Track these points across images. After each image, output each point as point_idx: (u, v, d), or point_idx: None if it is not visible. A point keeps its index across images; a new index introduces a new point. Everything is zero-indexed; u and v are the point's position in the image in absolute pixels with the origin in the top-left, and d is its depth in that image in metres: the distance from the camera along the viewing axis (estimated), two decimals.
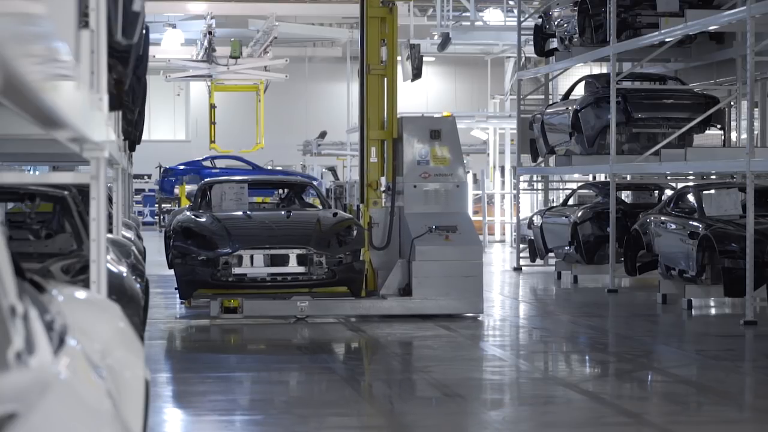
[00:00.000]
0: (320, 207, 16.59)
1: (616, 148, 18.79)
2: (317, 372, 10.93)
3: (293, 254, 14.25)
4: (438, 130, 15.44)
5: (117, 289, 7.39)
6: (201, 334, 13.77)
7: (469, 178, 29.75)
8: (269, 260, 14.29)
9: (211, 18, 35.17)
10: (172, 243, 14.60)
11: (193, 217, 14.96)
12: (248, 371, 10.87)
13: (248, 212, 15.34)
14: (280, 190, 19.16)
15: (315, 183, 25.37)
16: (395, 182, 15.44)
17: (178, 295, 15.19)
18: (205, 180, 17.49)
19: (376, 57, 15.55)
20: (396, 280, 14.93)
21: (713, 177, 20.97)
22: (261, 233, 14.45)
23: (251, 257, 14.24)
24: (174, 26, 39.07)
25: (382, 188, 15.58)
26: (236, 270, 14.20)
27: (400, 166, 15.41)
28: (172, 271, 15.11)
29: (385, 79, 15.59)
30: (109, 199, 11.28)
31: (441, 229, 14.86)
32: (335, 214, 15.12)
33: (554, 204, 25.17)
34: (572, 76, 25.39)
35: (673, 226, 16.49)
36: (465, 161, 18.36)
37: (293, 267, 14.26)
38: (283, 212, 15.49)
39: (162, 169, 40.61)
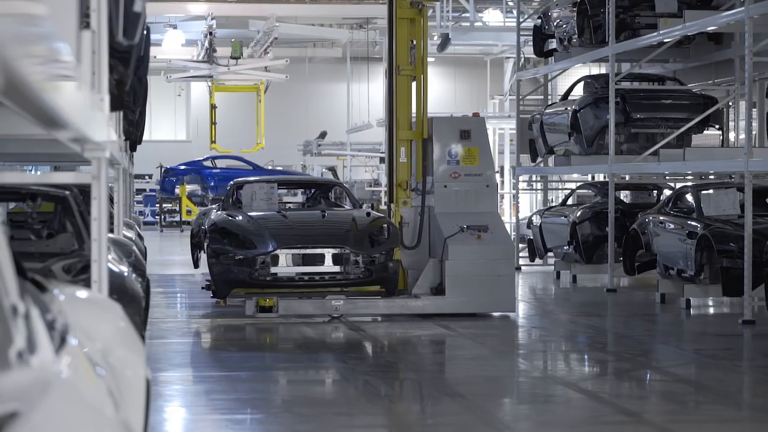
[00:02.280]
0: (343, 207, 16.61)
1: (615, 149, 18.81)
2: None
3: (331, 254, 14.26)
4: (468, 130, 15.55)
5: (118, 289, 7.41)
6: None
7: None
8: (307, 260, 14.30)
9: (212, 19, 35.17)
10: (209, 243, 14.52)
11: (229, 217, 14.89)
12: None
13: (284, 212, 15.34)
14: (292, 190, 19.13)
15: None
16: (425, 182, 15.51)
17: (212, 294, 15.23)
18: (235, 180, 17.41)
19: (406, 58, 15.64)
20: (428, 279, 14.98)
21: (711, 177, 20.99)
22: (299, 233, 14.46)
23: (289, 257, 14.24)
24: (175, 27, 39.06)
25: (411, 188, 15.67)
26: (274, 269, 14.20)
27: (430, 166, 15.49)
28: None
29: (415, 79, 15.64)
30: (110, 199, 11.29)
31: (472, 229, 14.94)
32: (368, 214, 15.18)
33: (553, 204, 25.18)
34: (571, 77, 25.41)
35: (672, 226, 16.51)
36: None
37: (331, 266, 14.28)
38: (318, 212, 15.52)
39: (163, 169, 40.62)
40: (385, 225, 14.69)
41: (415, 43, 15.60)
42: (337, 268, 14.26)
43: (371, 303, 14.65)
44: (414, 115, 15.78)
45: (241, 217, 14.80)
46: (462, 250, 14.82)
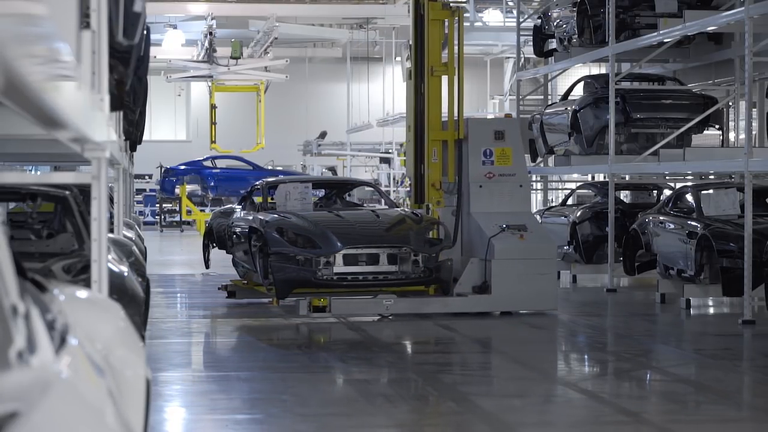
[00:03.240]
0: (368, 207, 16.64)
1: (615, 149, 18.82)
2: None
3: (393, 253, 14.29)
4: (502, 131, 15.75)
5: (118, 289, 7.42)
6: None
7: None
8: (370, 259, 14.30)
9: (212, 19, 35.19)
10: (264, 244, 14.34)
11: (283, 218, 14.73)
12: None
13: (336, 212, 15.28)
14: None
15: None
16: (461, 182, 15.54)
17: (227, 295, 15.14)
18: (266, 180, 17.26)
19: (438, 59, 15.71)
20: (471, 278, 15.06)
21: (711, 177, 21.00)
22: (361, 233, 14.47)
23: (353, 256, 14.25)
24: (175, 27, 39.09)
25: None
26: (337, 269, 14.19)
27: (465, 167, 15.55)
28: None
29: (447, 79, 15.73)
30: (110, 199, 11.31)
31: (512, 228, 15.02)
32: (415, 213, 15.21)
33: (553, 204, 25.19)
34: (571, 77, 25.42)
35: (672, 226, 16.52)
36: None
37: (392, 266, 14.31)
38: (369, 211, 15.55)
39: (163, 169, 40.63)
40: (437, 225, 14.76)
41: (447, 43, 15.72)
42: (398, 268, 14.31)
43: (422, 302, 14.72)
44: (445, 115, 15.86)
45: (293, 218, 14.71)
46: (507, 249, 14.95)
